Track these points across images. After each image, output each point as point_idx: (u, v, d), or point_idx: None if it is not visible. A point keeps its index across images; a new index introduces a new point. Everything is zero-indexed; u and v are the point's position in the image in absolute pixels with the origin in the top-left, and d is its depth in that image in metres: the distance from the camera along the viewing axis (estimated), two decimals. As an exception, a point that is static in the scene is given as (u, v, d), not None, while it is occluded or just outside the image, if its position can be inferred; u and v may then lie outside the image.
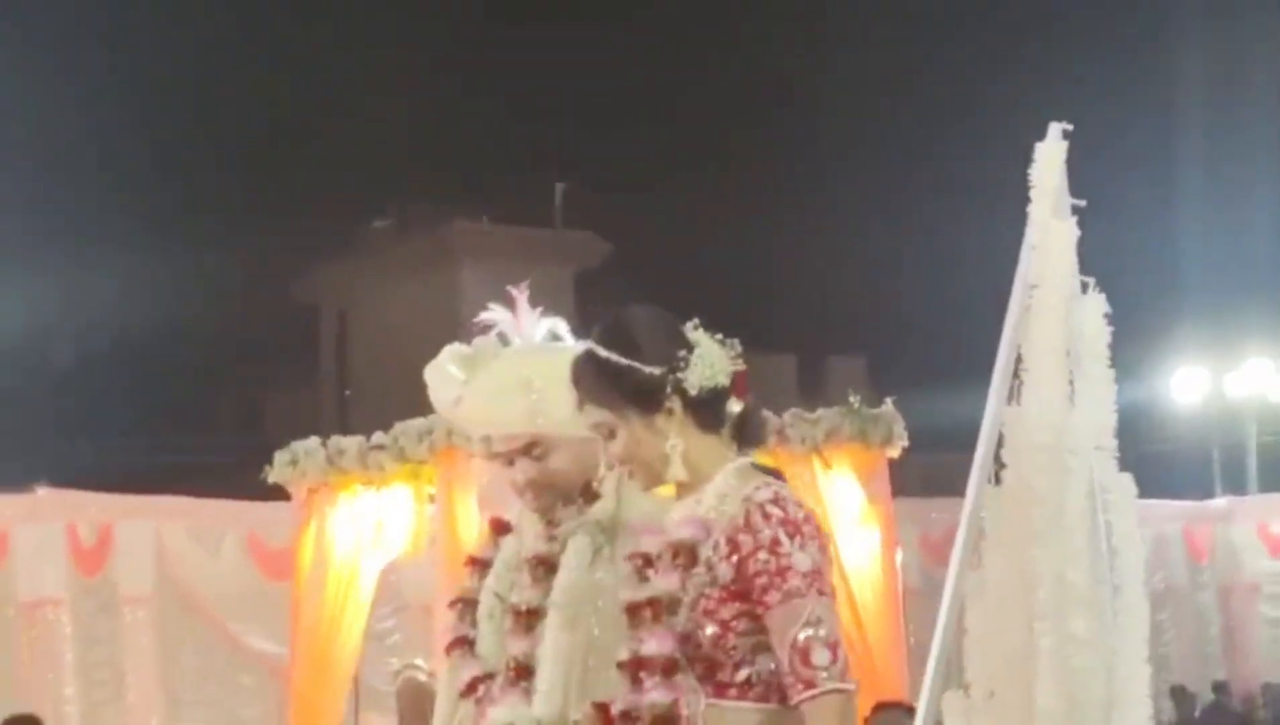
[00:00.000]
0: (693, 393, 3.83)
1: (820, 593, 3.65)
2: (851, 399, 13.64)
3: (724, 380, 3.86)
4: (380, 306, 26.29)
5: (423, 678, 14.25)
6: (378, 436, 13.77)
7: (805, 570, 3.65)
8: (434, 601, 13.30)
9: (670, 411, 3.84)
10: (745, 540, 3.70)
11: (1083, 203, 4.85)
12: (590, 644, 4.25)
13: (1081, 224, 4.86)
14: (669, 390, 3.84)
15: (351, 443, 13.92)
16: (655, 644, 3.75)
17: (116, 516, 16.18)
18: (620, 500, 4.39)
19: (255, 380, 22.51)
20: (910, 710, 4.52)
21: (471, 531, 12.91)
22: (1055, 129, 4.89)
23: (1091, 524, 4.52)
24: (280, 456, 14.26)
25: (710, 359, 3.85)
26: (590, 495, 4.40)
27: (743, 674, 3.73)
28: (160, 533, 16.27)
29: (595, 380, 3.91)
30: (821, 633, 3.62)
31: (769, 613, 3.67)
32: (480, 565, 4.58)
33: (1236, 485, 23.70)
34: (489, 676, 4.36)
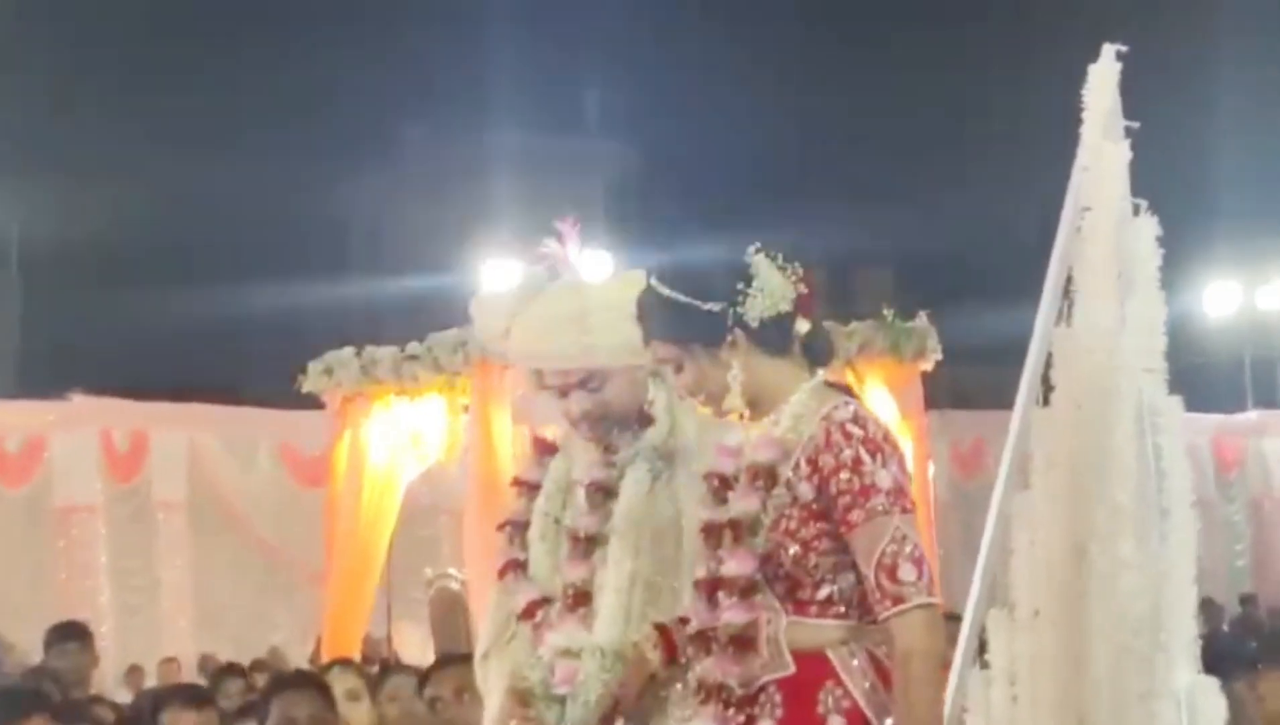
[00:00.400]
0: (754, 324, 3.85)
1: (904, 510, 3.70)
2: (885, 311, 13.62)
3: (786, 306, 3.88)
4: (412, 217, 26.27)
5: (455, 587, 14.39)
6: (412, 347, 13.79)
7: (888, 488, 3.69)
8: (466, 511, 13.39)
9: (734, 343, 3.87)
10: (826, 460, 3.74)
11: (1135, 125, 4.84)
12: (650, 570, 4.26)
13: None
14: (730, 323, 3.85)
15: (386, 353, 13.94)
16: (736, 564, 3.79)
17: (151, 424, 16.27)
18: (674, 424, 4.40)
19: (287, 290, 22.55)
20: (950, 618, 4.54)
21: (506, 443, 12.98)
22: (1109, 50, 4.87)
23: (1140, 446, 4.52)
24: (314, 366, 14.29)
25: (771, 287, 3.88)
26: (644, 420, 4.41)
27: (824, 592, 3.78)
28: (193, 440, 16.36)
29: (659, 317, 3.94)
30: (907, 549, 3.66)
31: (853, 531, 3.71)
32: (527, 487, 4.59)
33: (1267, 399, 23.70)
34: (546, 600, 4.37)
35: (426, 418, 14.00)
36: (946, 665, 4.22)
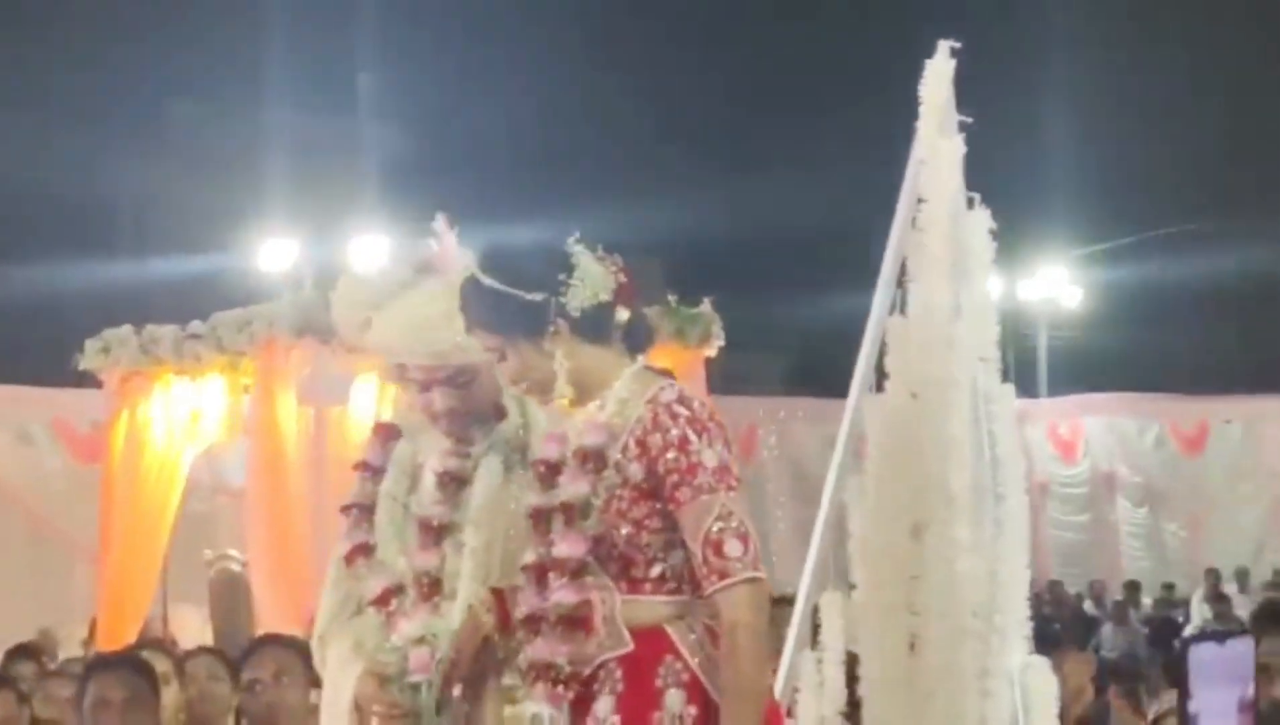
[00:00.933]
0: (576, 314, 3.92)
1: (729, 488, 3.77)
2: (670, 298, 13.75)
3: (606, 296, 3.94)
4: (183, 196, 25.88)
5: (236, 568, 14.23)
6: (194, 325, 13.60)
7: (714, 467, 3.77)
8: (249, 492, 13.28)
9: (556, 332, 3.92)
10: (654, 440, 3.81)
11: (969, 120, 4.97)
12: (505, 559, 4.29)
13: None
14: (553, 313, 3.92)
15: (166, 331, 13.71)
16: (566, 547, 3.85)
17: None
18: (526, 416, 4.44)
19: (55, 270, 22.11)
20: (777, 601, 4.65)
21: (290, 423, 12.87)
22: (944, 47, 5.00)
23: (975, 432, 4.66)
24: (91, 344, 14.02)
25: (591, 277, 3.93)
26: (498, 412, 4.44)
27: (657, 569, 3.85)
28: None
29: (481, 307, 3.98)
30: (732, 525, 3.73)
31: (680, 509, 3.78)
32: (371, 470, 4.57)
33: (1028, 389, 24.37)
34: (400, 588, 4.37)
35: (207, 397, 13.83)
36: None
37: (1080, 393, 23.65)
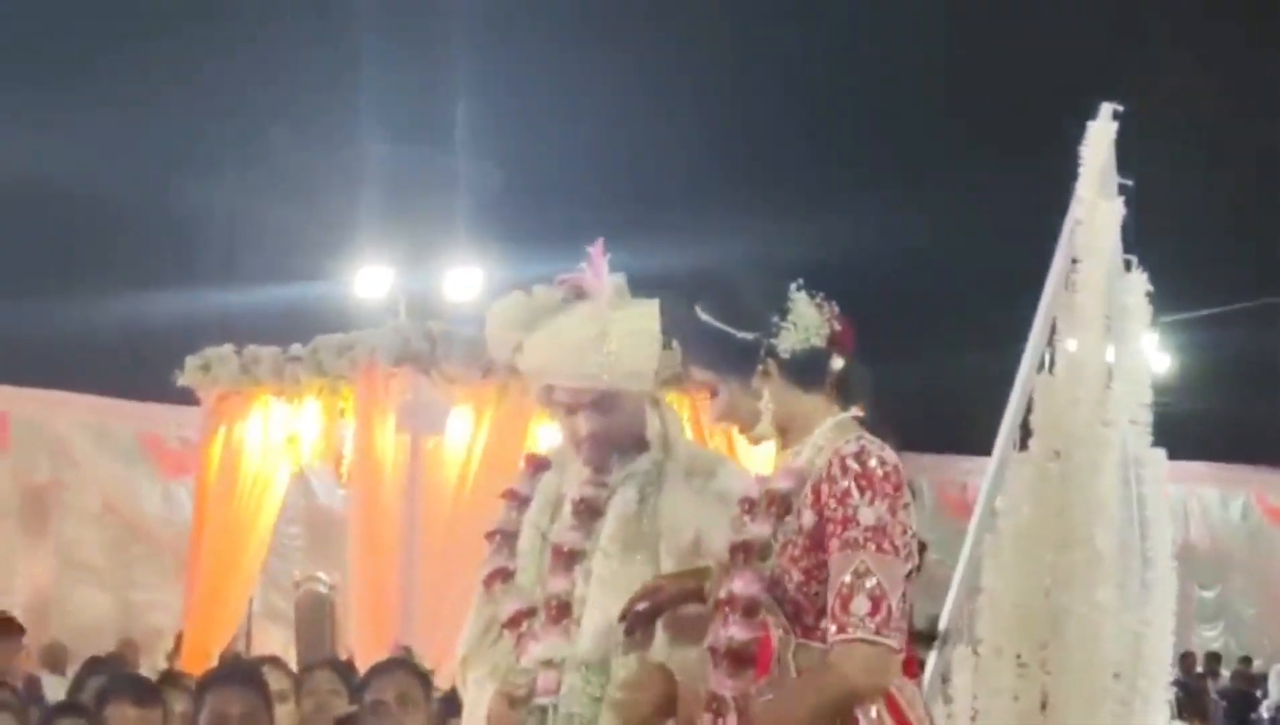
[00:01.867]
0: (785, 357, 3.94)
1: (880, 549, 3.73)
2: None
3: (818, 342, 3.95)
4: (279, 222, 26.09)
5: (323, 590, 14.35)
6: (295, 348, 13.74)
7: (868, 524, 3.74)
8: (350, 517, 13.38)
9: (765, 373, 3.94)
10: (825, 490, 3.82)
11: (1129, 182, 4.99)
12: (633, 589, 4.32)
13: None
14: (763, 354, 3.94)
15: (267, 352, 13.87)
16: (741, 584, 3.87)
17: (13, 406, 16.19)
18: (668, 451, 4.47)
19: (150, 290, 22.32)
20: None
21: (388, 449, 12.97)
22: (1106, 109, 5.02)
23: (1124, 494, 4.66)
24: (192, 361, 14.20)
25: (804, 322, 3.95)
26: (640, 444, 4.47)
27: (826, 621, 3.82)
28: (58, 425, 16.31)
29: (696, 342, 4.02)
30: (868, 584, 3.70)
31: (829, 559, 3.79)
32: (518, 499, 4.62)
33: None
34: (531, 611, 4.42)
35: (303, 420, 13.95)
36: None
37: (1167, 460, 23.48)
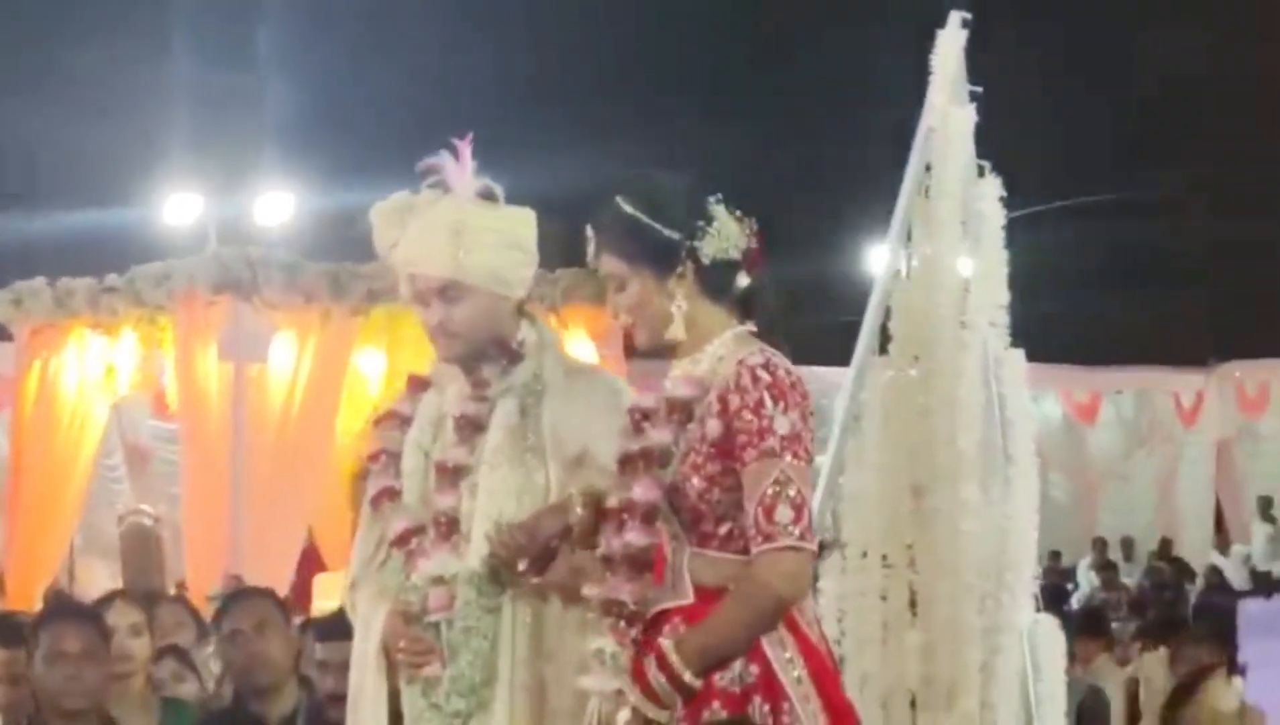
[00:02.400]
0: (705, 261, 3.96)
1: (795, 456, 3.80)
2: (590, 260, 13.77)
3: (735, 254, 3.98)
4: (72, 145, 25.53)
5: (148, 522, 14.15)
6: (111, 279, 13.52)
7: (784, 433, 3.81)
8: (182, 446, 13.26)
9: (682, 275, 3.96)
10: (733, 399, 3.86)
11: (979, 89, 5.07)
12: (520, 502, 4.35)
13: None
14: (683, 255, 3.96)
15: (81, 284, 13.64)
16: (641, 490, 3.90)
17: None
18: (542, 363, 4.49)
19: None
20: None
21: (211, 378, 12.85)
22: (955, 18, 5.10)
23: (984, 396, 4.77)
24: (2, 295, 13.93)
25: (726, 232, 3.97)
26: (513, 356, 4.48)
27: (724, 528, 3.90)
28: None
29: (617, 232, 4.00)
30: (789, 492, 3.78)
31: (744, 469, 3.83)
32: (400, 419, 4.62)
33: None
34: (419, 529, 4.43)
35: (120, 352, 13.76)
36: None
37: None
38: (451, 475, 4.44)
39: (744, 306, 4.02)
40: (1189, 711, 5.38)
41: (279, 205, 18.11)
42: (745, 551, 3.86)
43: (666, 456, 3.91)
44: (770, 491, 3.79)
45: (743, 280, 3.99)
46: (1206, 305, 27.30)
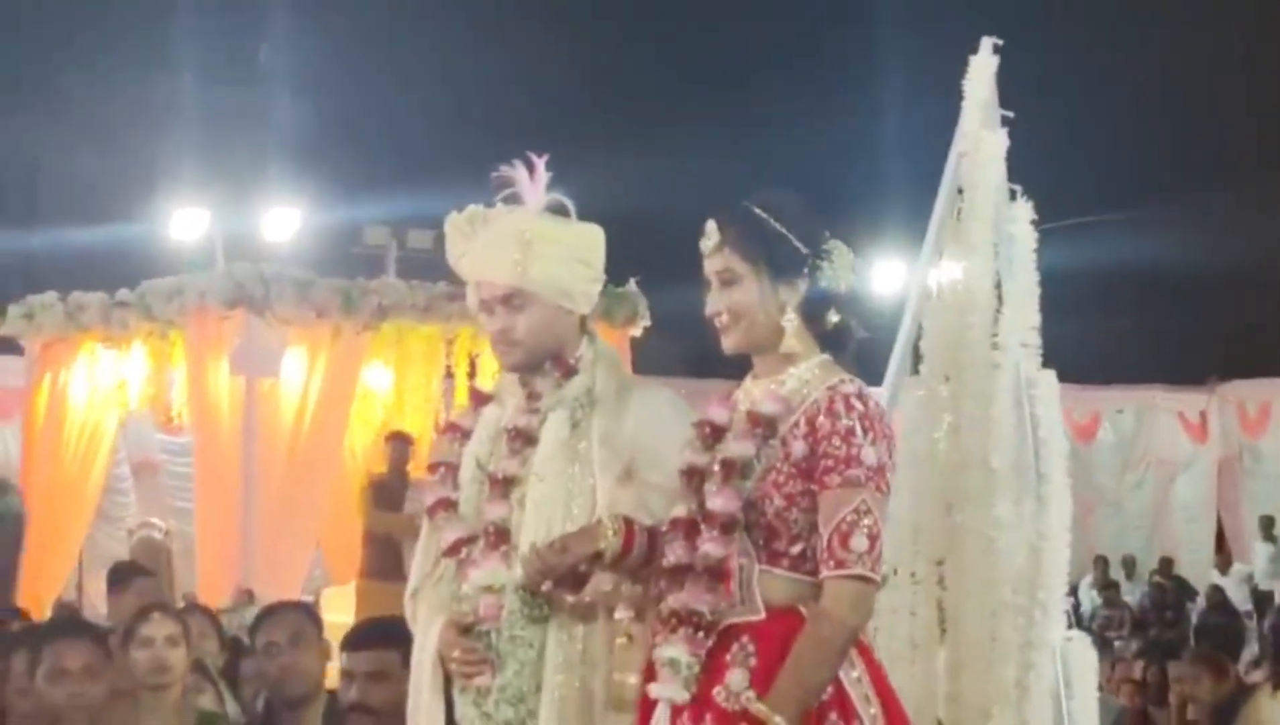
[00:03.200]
0: (821, 283, 4.01)
1: (878, 488, 3.86)
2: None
3: (842, 287, 4.04)
4: (75, 163, 25.58)
5: (158, 536, 14.25)
6: (122, 293, 13.59)
7: (870, 464, 3.86)
8: (196, 461, 13.31)
9: (796, 287, 4.01)
10: (824, 424, 3.90)
11: (1011, 114, 5.15)
12: (568, 514, 4.40)
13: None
14: (806, 271, 4.01)
15: (93, 299, 13.72)
16: (721, 501, 3.93)
17: None
18: (596, 376, 4.54)
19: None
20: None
21: (223, 393, 12.91)
22: (986, 43, 5.17)
23: (1018, 415, 4.84)
24: (15, 310, 14.00)
25: (844, 261, 4.04)
26: (567, 370, 4.54)
27: (798, 547, 3.93)
28: None
29: (748, 230, 4.03)
30: (866, 522, 3.83)
31: (824, 493, 3.87)
32: (460, 432, 4.68)
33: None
34: (471, 539, 4.49)
35: (130, 366, 13.83)
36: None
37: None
38: (502, 486, 4.50)
39: (833, 341, 4.07)
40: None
41: (286, 220, 18.12)
42: (815, 573, 3.91)
43: (748, 469, 3.95)
44: (849, 518, 3.84)
45: (834, 315, 4.04)
46: (1208, 325, 27.37)
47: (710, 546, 3.91)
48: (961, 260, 5.08)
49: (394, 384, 14.08)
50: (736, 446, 3.96)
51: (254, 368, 12.90)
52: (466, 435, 4.63)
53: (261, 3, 26.68)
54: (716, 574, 3.92)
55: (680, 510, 4.02)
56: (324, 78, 26.47)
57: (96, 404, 13.89)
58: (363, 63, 26.16)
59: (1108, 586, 20.27)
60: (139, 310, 13.40)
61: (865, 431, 3.88)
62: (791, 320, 4.01)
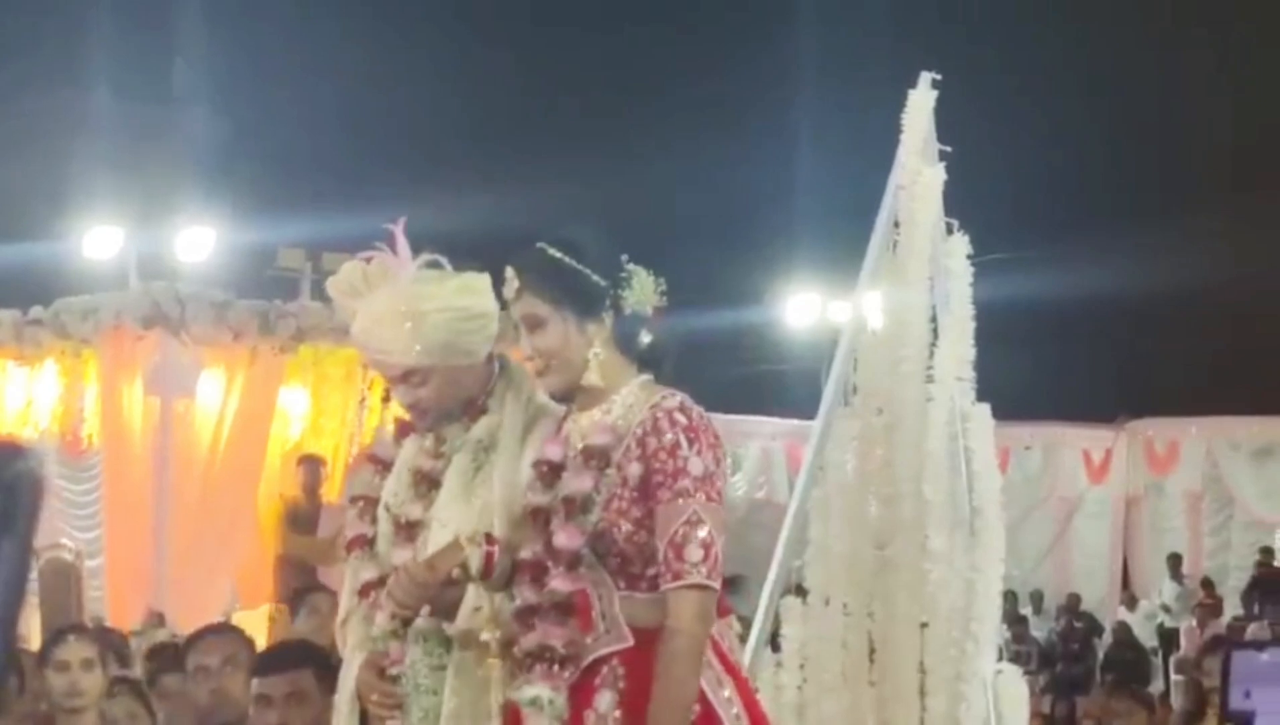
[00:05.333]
0: (625, 311, 4.04)
1: (708, 497, 3.89)
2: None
3: (648, 310, 4.08)
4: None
5: (68, 557, 14.06)
6: (36, 311, 13.48)
7: (697, 474, 3.89)
8: (105, 480, 13.19)
9: (602, 321, 4.04)
10: (651, 442, 3.94)
11: (948, 149, 5.18)
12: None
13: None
14: (608, 303, 4.04)
15: (6, 315, 13.61)
16: (565, 538, 3.95)
17: None
18: (505, 414, 4.51)
19: None
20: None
21: (136, 412, 12.82)
22: (925, 78, 5.21)
23: (950, 448, 4.87)
24: (-77, 326, 13.85)
25: (645, 286, 4.07)
26: (475, 413, 4.51)
27: (653, 569, 3.94)
28: None
29: (544, 273, 4.05)
30: (699, 533, 3.86)
31: (658, 508, 3.91)
32: (381, 464, 4.64)
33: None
34: (382, 581, 4.45)
35: (41, 384, 13.72)
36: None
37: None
38: (406, 530, 4.46)
39: (648, 360, 4.10)
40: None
41: (200, 240, 18.01)
42: None
43: (588, 503, 3.98)
44: (681, 530, 3.87)
45: (646, 336, 4.07)
46: (1116, 362, 27.64)
47: (557, 583, 3.94)
48: (896, 293, 5.11)
49: (310, 406, 14.02)
50: (574, 482, 3.98)
51: (169, 388, 12.84)
52: (388, 468, 4.60)
53: (176, 19, 26.52)
54: (565, 609, 3.95)
55: (526, 553, 4.04)
56: (239, 96, 26.35)
57: (7, 422, 13.76)
58: (278, 82, 26.04)
59: (1018, 621, 20.41)
60: (52, 328, 13.31)
61: (690, 443, 3.92)
62: (598, 354, 4.04)
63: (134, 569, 12.55)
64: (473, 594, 4.22)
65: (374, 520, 4.56)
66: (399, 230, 4.50)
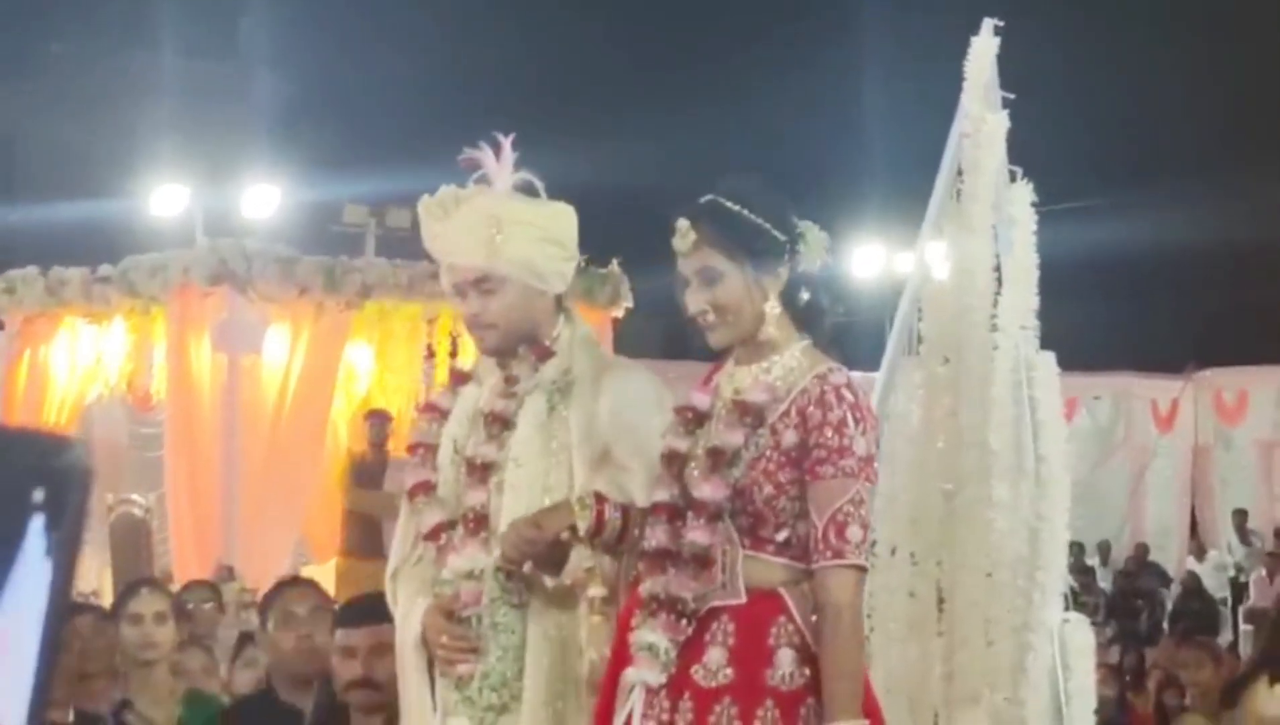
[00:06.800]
0: (800, 268, 3.99)
1: (868, 479, 3.90)
2: (580, 257, 13.85)
3: (817, 266, 4.03)
4: (54, 136, 25.48)
5: (138, 513, 14.20)
6: (104, 269, 13.57)
7: (861, 454, 3.88)
8: (168, 437, 13.27)
9: (778, 276, 3.99)
10: (814, 414, 3.90)
11: (1012, 95, 5.15)
12: (545, 499, 4.38)
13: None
14: (786, 258, 3.99)
15: (75, 274, 13.70)
16: (709, 490, 3.92)
17: None
18: (574, 358, 4.51)
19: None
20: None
21: (205, 369, 12.90)
22: (988, 24, 5.17)
23: (1016, 396, 4.85)
24: (-6, 284, 13.99)
25: (817, 242, 4.03)
26: (543, 352, 4.50)
27: (783, 534, 3.94)
28: None
29: (724, 225, 4.00)
30: (860, 513, 3.86)
31: (817, 483, 3.87)
32: (438, 412, 4.65)
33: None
34: (451, 523, 4.46)
35: (110, 342, 13.81)
36: None
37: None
38: (480, 472, 4.46)
39: (805, 319, 4.05)
40: (1234, 715, 5.44)
41: (265, 197, 18.08)
42: (799, 559, 3.93)
43: (736, 458, 3.95)
44: (845, 509, 3.86)
45: (804, 294, 4.03)
46: (1187, 311, 27.44)
47: (696, 534, 3.92)
48: (961, 242, 5.08)
49: (375, 362, 14.08)
50: (725, 435, 3.96)
51: (236, 345, 12.90)
52: (445, 416, 4.60)
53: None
54: (701, 562, 3.94)
55: (662, 495, 4.02)
56: (304, 54, 26.40)
57: (77, 379, 13.88)
58: (343, 40, 26.10)
59: (1083, 572, 20.32)
60: (121, 286, 13.39)
61: (857, 422, 3.90)
62: (774, 307, 3.99)
63: (201, 524, 12.63)
64: (583, 552, 4.23)
65: (435, 467, 4.58)
66: (507, 142, 4.52)
